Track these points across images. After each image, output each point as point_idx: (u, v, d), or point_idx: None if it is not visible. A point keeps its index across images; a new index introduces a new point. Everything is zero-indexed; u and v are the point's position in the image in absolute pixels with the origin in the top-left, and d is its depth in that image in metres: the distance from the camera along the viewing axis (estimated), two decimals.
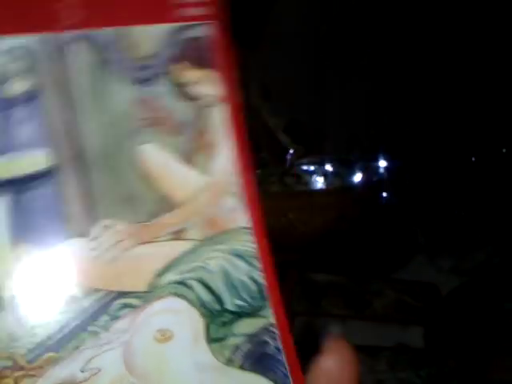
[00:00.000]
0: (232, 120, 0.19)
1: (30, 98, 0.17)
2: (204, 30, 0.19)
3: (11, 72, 0.17)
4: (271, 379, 0.18)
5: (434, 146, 1.14)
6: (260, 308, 0.19)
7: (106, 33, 0.18)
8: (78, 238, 0.17)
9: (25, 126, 0.17)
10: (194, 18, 0.18)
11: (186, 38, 0.19)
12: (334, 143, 0.99)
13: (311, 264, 0.81)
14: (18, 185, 0.17)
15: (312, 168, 0.88)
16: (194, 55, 0.19)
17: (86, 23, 0.17)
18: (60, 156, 0.17)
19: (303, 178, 0.86)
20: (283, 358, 0.18)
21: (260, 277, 0.19)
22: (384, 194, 0.89)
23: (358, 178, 0.87)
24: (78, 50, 0.18)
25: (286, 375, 0.18)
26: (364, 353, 0.62)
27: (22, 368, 0.16)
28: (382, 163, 0.86)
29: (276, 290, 0.19)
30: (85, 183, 0.18)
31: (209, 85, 0.19)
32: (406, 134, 1.11)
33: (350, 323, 0.68)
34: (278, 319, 0.19)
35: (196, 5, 0.18)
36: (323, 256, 0.82)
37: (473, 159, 1.04)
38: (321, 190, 0.87)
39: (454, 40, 0.88)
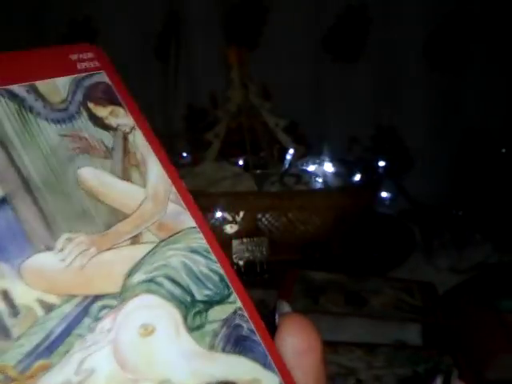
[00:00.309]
0: (148, 142, 0.22)
1: None
2: (100, 77, 0.23)
3: None
4: (252, 358, 0.19)
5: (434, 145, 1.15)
6: (227, 295, 0.20)
7: (20, 87, 0.21)
8: (45, 252, 0.19)
9: None
10: (90, 69, 0.23)
11: (89, 84, 0.22)
12: (333, 143, 0.99)
13: (310, 263, 0.81)
14: None
15: (312, 168, 0.89)
16: (99, 96, 0.22)
17: (0, 81, 0.20)
18: (7, 187, 0.19)
19: (303, 178, 0.87)
20: (257, 337, 0.20)
21: (218, 268, 0.21)
22: (383, 194, 0.89)
23: (356, 178, 0.87)
24: (2, 101, 0.20)
25: (264, 353, 0.20)
26: (362, 349, 0.62)
27: (14, 379, 0.16)
28: (380, 163, 0.87)
29: (235, 278, 0.21)
30: (37, 206, 0.19)
31: (119, 117, 0.22)
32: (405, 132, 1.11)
33: (349, 321, 0.69)
34: (244, 303, 0.20)
35: (89, 59, 0.23)
36: (322, 255, 0.83)
37: (471, 159, 1.04)
38: (320, 190, 0.88)
39: None
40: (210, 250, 0.21)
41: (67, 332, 0.18)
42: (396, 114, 1.11)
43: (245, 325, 0.20)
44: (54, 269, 0.18)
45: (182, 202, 0.22)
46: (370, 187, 0.89)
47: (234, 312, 0.20)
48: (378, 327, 0.67)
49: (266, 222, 0.79)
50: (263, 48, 1.07)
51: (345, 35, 1.07)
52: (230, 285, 0.21)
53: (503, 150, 1.01)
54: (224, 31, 1.10)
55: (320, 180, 0.85)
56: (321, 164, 0.86)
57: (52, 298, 0.18)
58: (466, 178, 1.04)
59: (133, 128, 0.22)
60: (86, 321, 0.18)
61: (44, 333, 0.17)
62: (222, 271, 0.21)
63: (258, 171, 0.89)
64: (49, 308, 0.18)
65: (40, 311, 0.17)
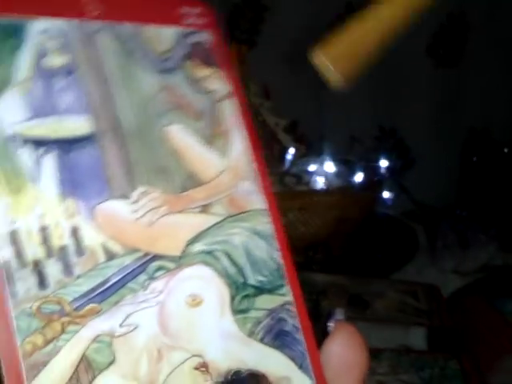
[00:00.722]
0: (240, 113, 0.22)
1: (67, 71, 0.19)
2: (205, 36, 0.22)
3: (48, 48, 0.19)
4: (289, 356, 0.19)
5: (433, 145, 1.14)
6: (279, 286, 0.20)
7: (126, 27, 0.20)
8: (120, 200, 0.19)
9: (66, 94, 0.19)
10: (196, 26, 0.22)
11: (192, 41, 0.22)
12: (334, 143, 0.98)
13: (311, 264, 0.80)
14: (63, 145, 0.18)
15: (313, 168, 0.87)
16: (201, 56, 0.22)
17: (107, 16, 0.20)
18: (99, 124, 0.19)
19: (303, 178, 0.86)
20: (301, 336, 0.20)
21: (278, 256, 0.21)
22: (385, 195, 0.88)
23: (358, 178, 0.86)
24: (105, 39, 0.20)
25: (303, 353, 0.20)
26: None
27: (68, 314, 0.17)
28: (382, 163, 0.86)
29: (293, 271, 0.20)
30: (123, 151, 0.19)
31: (216, 81, 0.22)
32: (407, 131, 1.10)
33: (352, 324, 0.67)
34: (295, 298, 0.20)
35: (197, 15, 0.22)
36: (323, 256, 0.82)
37: (474, 159, 1.03)
38: (321, 190, 0.86)
39: None
40: (274, 236, 0.21)
41: (122, 283, 0.18)
42: (398, 113, 1.10)
43: (290, 320, 0.20)
44: (124, 218, 0.19)
45: (258, 181, 0.21)
46: (371, 187, 0.88)
47: (282, 305, 0.20)
48: (382, 331, 0.66)
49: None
50: (263, 47, 1.06)
51: None
52: (285, 276, 0.20)
53: (505, 150, 1.00)
54: (224, 30, 1.08)
55: (321, 180, 0.84)
56: (322, 164, 0.85)
57: (116, 247, 0.18)
58: (469, 178, 1.03)
59: (227, 95, 0.22)
60: (142, 277, 0.18)
61: (101, 278, 0.18)
62: (280, 261, 0.20)
63: None
64: (110, 256, 0.18)
65: (102, 257, 0.18)
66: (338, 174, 0.85)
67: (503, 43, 1.06)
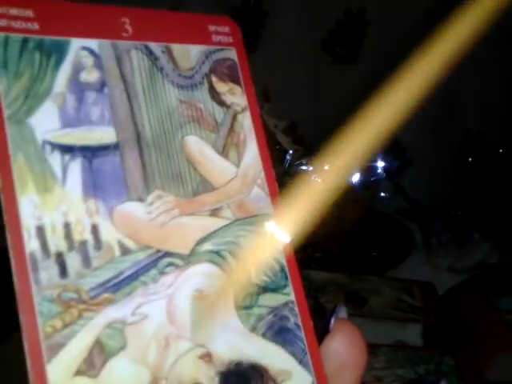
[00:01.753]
0: (253, 126, 0.23)
1: (99, 86, 0.21)
2: (230, 54, 0.24)
3: (85, 65, 0.21)
4: (290, 352, 0.20)
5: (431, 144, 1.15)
6: (283, 286, 0.21)
7: (157, 46, 0.22)
8: (136, 202, 0.21)
9: (95, 107, 0.21)
10: (222, 44, 0.24)
11: (217, 58, 0.23)
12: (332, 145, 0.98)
13: (310, 262, 0.81)
14: (89, 152, 0.20)
15: (312, 168, 0.88)
16: (223, 72, 0.23)
17: (139, 36, 0.22)
18: (122, 135, 0.21)
19: None
20: (302, 334, 0.21)
21: (282, 258, 0.22)
22: (381, 194, 0.89)
23: (355, 178, 0.87)
24: (136, 57, 0.22)
25: (304, 350, 0.20)
26: None
27: (84, 302, 0.18)
28: (379, 164, 0.87)
29: (296, 272, 0.22)
30: (142, 160, 0.21)
31: (235, 96, 0.23)
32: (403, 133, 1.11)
33: None
34: (297, 298, 0.21)
35: (225, 34, 0.24)
36: (322, 254, 0.83)
37: (469, 159, 1.04)
38: None
39: None
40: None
41: (134, 276, 0.20)
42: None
43: (292, 318, 0.21)
44: (139, 218, 0.20)
45: (266, 188, 0.23)
46: (369, 187, 0.89)
47: (285, 303, 0.21)
48: (378, 327, 0.67)
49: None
50: (263, 49, 1.07)
51: (344, 37, 1.07)
52: (288, 277, 0.22)
53: (500, 151, 1.01)
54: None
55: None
56: (320, 165, 0.86)
57: (130, 244, 0.20)
58: (464, 178, 1.04)
59: (244, 109, 0.23)
60: (153, 272, 0.20)
61: (116, 271, 0.19)
62: (284, 262, 0.22)
63: None
64: (125, 251, 0.20)
65: (117, 252, 0.20)
66: None
67: (501, 45, 1.06)
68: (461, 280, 0.78)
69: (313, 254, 0.81)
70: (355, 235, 0.84)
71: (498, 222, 0.89)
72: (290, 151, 0.86)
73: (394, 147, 1.11)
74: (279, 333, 0.20)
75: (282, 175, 0.86)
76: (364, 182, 0.88)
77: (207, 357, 0.19)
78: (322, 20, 1.06)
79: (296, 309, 0.21)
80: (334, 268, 0.79)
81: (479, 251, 0.82)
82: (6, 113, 0.19)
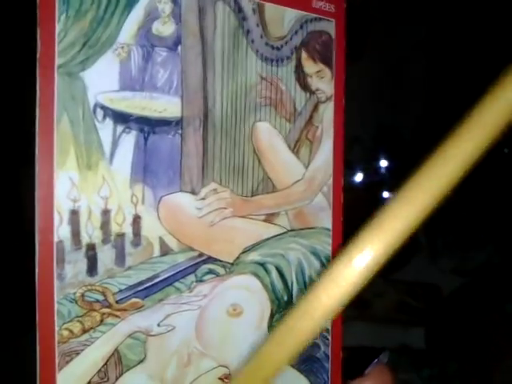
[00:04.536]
0: (335, 120, 0.20)
1: (172, 43, 0.18)
2: (328, 26, 0.20)
3: (161, 12, 0.17)
4: (312, 382, 0.19)
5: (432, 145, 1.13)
6: None
7: (248, 2, 0.19)
8: (188, 194, 0.18)
9: (163, 70, 0.17)
10: (322, 12, 0.20)
11: (312, 29, 0.20)
12: None
13: None
14: (148, 125, 0.17)
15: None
16: (317, 48, 0.20)
17: None
18: (189, 110, 0.18)
19: None
20: (329, 365, 0.20)
21: None
22: (385, 194, 0.89)
23: (358, 178, 0.86)
24: (223, 11, 0.18)
25: (326, 383, 0.20)
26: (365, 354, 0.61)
27: (109, 306, 0.16)
28: (382, 163, 0.86)
29: None
30: (204, 144, 0.18)
31: (323, 80, 0.20)
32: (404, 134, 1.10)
33: (351, 324, 0.67)
34: (334, 327, 0.20)
35: (327, 0, 0.20)
36: None
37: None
38: None
39: None
40: (331, 258, 0.20)
41: (170, 281, 0.17)
42: (397, 113, 1.10)
43: (323, 348, 0.19)
44: (187, 214, 0.18)
45: (331, 198, 0.20)
46: (372, 187, 0.88)
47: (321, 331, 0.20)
48: (381, 331, 0.66)
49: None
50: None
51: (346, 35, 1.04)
52: None
53: (506, 150, 1.00)
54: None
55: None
56: None
57: (172, 242, 0.17)
58: (469, 178, 1.03)
59: (329, 98, 0.20)
60: (190, 278, 0.18)
61: (151, 273, 0.17)
62: None
63: None
64: (165, 251, 0.17)
65: (157, 251, 0.17)
66: None
67: (502, 43, 1.05)
68: (465, 282, 0.77)
69: None
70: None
71: (502, 223, 0.89)
72: None
73: (397, 146, 1.10)
74: (306, 360, 0.19)
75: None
76: (367, 182, 0.87)
77: (227, 378, 0.18)
78: None
79: (329, 338, 0.20)
80: None
81: (484, 253, 0.82)
82: (57, 61, 0.15)
